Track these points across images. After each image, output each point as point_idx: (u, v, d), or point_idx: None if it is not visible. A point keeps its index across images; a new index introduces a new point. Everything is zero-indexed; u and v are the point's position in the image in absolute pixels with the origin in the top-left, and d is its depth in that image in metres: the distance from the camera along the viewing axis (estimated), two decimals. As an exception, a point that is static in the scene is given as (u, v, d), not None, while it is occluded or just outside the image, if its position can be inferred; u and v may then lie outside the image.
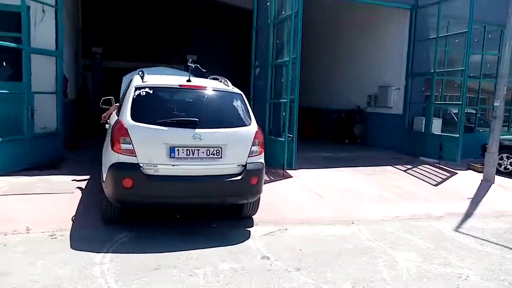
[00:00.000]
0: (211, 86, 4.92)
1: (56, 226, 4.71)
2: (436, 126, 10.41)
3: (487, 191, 7.87)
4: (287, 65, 7.64)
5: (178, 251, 4.17)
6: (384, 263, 4.19)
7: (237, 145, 4.60)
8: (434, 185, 8.03)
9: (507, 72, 8.31)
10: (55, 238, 4.40)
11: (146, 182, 4.25)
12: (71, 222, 4.84)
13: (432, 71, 10.16)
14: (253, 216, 5.37)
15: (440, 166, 9.57)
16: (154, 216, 5.17)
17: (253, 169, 4.64)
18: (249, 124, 4.78)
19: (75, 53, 12.78)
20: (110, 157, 4.35)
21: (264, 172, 4.82)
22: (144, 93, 4.55)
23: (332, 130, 13.43)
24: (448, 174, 8.93)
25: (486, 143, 10.17)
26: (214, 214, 5.41)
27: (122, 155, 4.27)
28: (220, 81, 5.29)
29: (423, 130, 10.47)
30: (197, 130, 4.41)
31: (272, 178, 7.44)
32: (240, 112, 4.84)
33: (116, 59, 15.48)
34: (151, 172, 4.28)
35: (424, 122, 10.45)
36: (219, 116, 4.77)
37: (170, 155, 4.33)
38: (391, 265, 4.16)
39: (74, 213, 5.09)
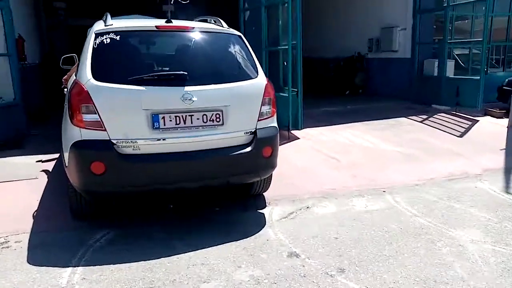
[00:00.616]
0: (199, 27, 3.63)
1: (10, 227, 3.56)
2: (450, 69, 9.30)
3: (517, 140, 6.93)
4: (286, 2, 6.28)
5: (176, 254, 3.09)
6: (448, 250, 3.18)
7: (242, 106, 3.42)
8: (458, 136, 7.06)
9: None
10: (8, 247, 3.26)
11: (123, 165, 3.08)
12: (32, 221, 3.69)
13: (445, 4, 8.88)
14: (264, 193, 4.31)
15: (458, 113, 8.59)
16: (139, 207, 4.03)
17: (266, 137, 3.49)
18: (256, 76, 3.58)
19: (34, 9, 11.04)
20: (71, 133, 3.14)
21: (278, 140, 3.68)
22: (109, 40, 3.26)
23: (331, 81, 12.21)
24: (470, 123, 7.94)
25: (503, 84, 9.18)
26: (215, 194, 4.30)
27: (86, 130, 3.06)
28: (210, 22, 4.00)
29: (435, 74, 9.35)
30: (187, 88, 3.20)
31: (277, 141, 6.31)
32: (242, 60, 3.62)
33: (83, 16, 13.69)
34: (129, 150, 3.10)
35: (437, 65, 9.30)
36: (215, 66, 3.53)
37: (153, 125, 3.13)
38: (458, 252, 3.16)
39: (36, 208, 3.93)
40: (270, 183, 4.14)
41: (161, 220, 3.73)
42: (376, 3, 10.69)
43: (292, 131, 6.71)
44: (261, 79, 3.58)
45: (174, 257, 3.05)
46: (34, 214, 3.81)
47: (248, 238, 3.37)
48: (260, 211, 3.98)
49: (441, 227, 3.60)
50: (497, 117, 8.48)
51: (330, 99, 10.51)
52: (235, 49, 3.64)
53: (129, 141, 3.08)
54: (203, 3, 14.96)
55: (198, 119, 3.25)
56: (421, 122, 7.96)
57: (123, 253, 3.11)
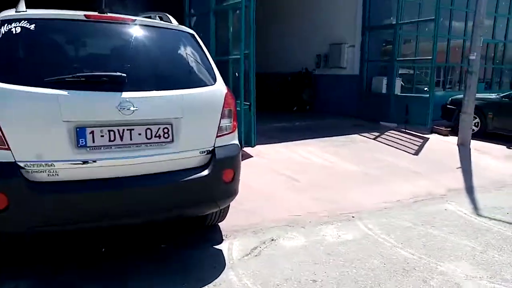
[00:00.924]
0: (142, 21, 2.89)
1: None
2: (398, 87, 9.29)
3: (470, 158, 6.89)
4: (238, 8, 5.72)
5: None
6: (445, 291, 2.69)
7: (197, 119, 2.73)
8: (413, 154, 6.91)
9: (483, 20, 7.23)
10: None
11: (34, 197, 2.24)
12: None
13: (394, 22, 8.87)
14: (218, 223, 3.61)
15: (407, 131, 8.54)
16: (60, 249, 3.14)
17: (226, 157, 2.82)
18: (214, 83, 2.91)
19: None
20: (-40, 152, 2.24)
21: (240, 160, 3.02)
22: (19, 30, 2.43)
23: (278, 97, 11.83)
24: (421, 140, 7.88)
25: (447, 103, 9.32)
26: (157, 224, 3.52)
27: (-20, 149, 2.19)
28: (155, 19, 3.28)
29: (384, 91, 9.29)
30: (126, 94, 2.46)
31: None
32: (196, 63, 2.94)
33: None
34: (42, 177, 2.27)
35: (385, 83, 9.24)
36: (162, 69, 2.81)
37: (78, 142, 2.34)
38: (457, 292, 2.67)
39: None
40: (227, 212, 3.46)
41: (90, 265, 2.88)
42: (324, 19, 10.54)
43: (245, 148, 6.09)
44: (219, 87, 2.92)
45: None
46: None
47: (205, 287, 2.64)
48: (217, 247, 3.27)
49: (427, 260, 3.12)
50: (444, 135, 8.53)
51: (278, 115, 10.07)
52: (187, 49, 2.95)
53: (43, 164, 2.26)
54: (142, 6, 14.05)
55: (140, 134, 2.50)
56: (373, 139, 7.74)
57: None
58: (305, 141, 7.11)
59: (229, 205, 3.38)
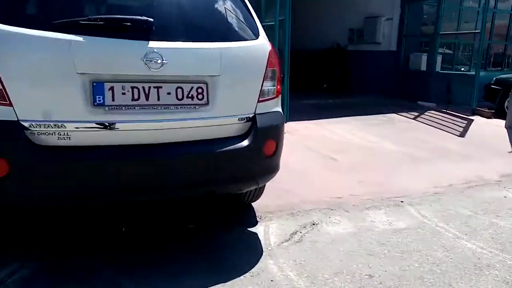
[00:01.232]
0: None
1: None
2: (439, 64, 8.59)
3: (521, 141, 6.25)
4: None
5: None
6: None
7: (237, 78, 2.28)
8: (459, 136, 6.31)
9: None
10: None
11: (41, 165, 1.85)
12: None
13: (440, -8, 8.13)
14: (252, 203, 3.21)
15: (447, 111, 7.88)
16: (76, 229, 2.78)
17: (269, 126, 2.37)
18: (256, 38, 2.43)
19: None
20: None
21: (283, 131, 2.56)
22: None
23: (307, 75, 11.23)
24: (465, 122, 7.24)
25: (491, 83, 8.59)
26: (183, 202, 3.13)
27: (-24, 104, 1.80)
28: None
29: (423, 69, 8.60)
30: (153, 44, 2.02)
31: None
32: (236, 12, 2.46)
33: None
34: (51, 140, 1.87)
35: (425, 59, 8.55)
36: (198, 17, 2.34)
37: (94, 100, 1.92)
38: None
39: None
40: (263, 190, 3.04)
41: (107, 247, 2.51)
42: (359, -10, 9.84)
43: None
44: (263, 42, 2.45)
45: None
46: None
47: (242, 277, 2.23)
48: (251, 229, 2.86)
49: (503, 256, 2.63)
50: (486, 117, 7.87)
51: (308, 93, 9.51)
52: (226, -1, 2.47)
53: (52, 124, 1.85)
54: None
55: (169, 94, 2.07)
56: (413, 119, 7.16)
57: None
58: (340, 119, 6.59)
59: (265, 184, 2.96)
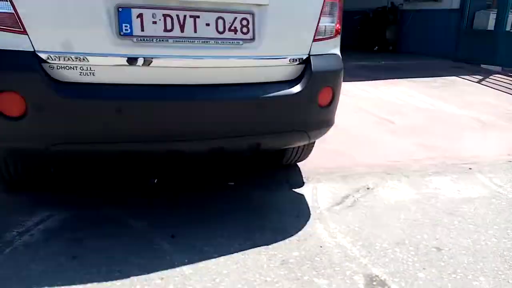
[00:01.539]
0: None
1: None
2: (510, 23, 7.65)
3: None
4: None
5: (162, 269, 1.69)
6: None
7: (290, 11, 1.91)
8: (532, 102, 5.57)
9: None
10: None
11: (61, 103, 1.61)
12: None
13: None
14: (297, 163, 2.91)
15: (517, 75, 7.06)
16: (104, 178, 2.60)
17: (325, 71, 2.01)
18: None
19: None
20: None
21: (342, 79, 2.18)
22: None
23: (356, 36, 10.52)
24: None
25: None
26: (224, 160, 2.87)
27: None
28: None
29: (490, 28, 7.72)
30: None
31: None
32: None
33: None
34: (72, 75, 1.62)
35: (493, 17, 7.64)
36: None
37: (121, 29, 1.63)
38: None
39: None
40: (312, 149, 2.71)
41: (139, 202, 2.31)
42: None
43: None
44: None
45: (160, 274, 1.65)
46: None
47: (286, 241, 1.96)
48: (297, 190, 2.56)
49: None
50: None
51: (359, 54, 8.88)
52: None
53: (73, 57, 1.60)
54: None
55: (208, 25, 1.75)
56: (477, 82, 6.45)
57: (66, 257, 1.71)
58: (395, 80, 6.04)
59: (314, 141, 2.62)
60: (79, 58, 1.60)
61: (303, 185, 2.65)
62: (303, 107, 1.95)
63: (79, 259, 1.74)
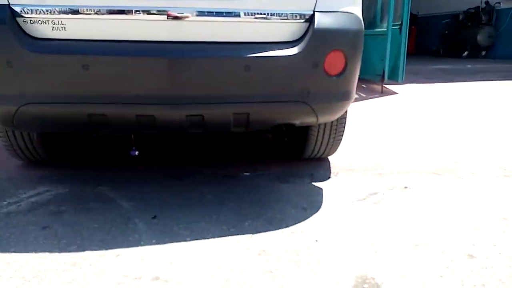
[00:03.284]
0: None
1: None
2: None
3: None
4: None
5: (123, 247, 1.53)
6: None
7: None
8: None
9: None
10: None
11: (34, 60, 1.54)
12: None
13: None
14: (330, 158, 2.58)
15: None
16: (110, 153, 2.54)
17: (334, 30, 1.69)
18: None
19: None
20: None
21: (361, 43, 1.83)
22: None
23: (442, 41, 9.64)
24: None
25: None
26: (240, 145, 2.65)
27: None
28: None
29: None
30: None
31: (363, 95, 4.44)
32: None
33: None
34: (46, 31, 1.55)
35: None
36: None
37: (93, -20, 1.53)
38: None
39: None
40: (339, 141, 2.37)
41: (135, 182, 2.19)
42: None
43: (387, 85, 4.75)
44: None
45: (113, 252, 1.47)
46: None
47: (278, 232, 1.67)
48: (317, 184, 2.23)
49: None
50: None
51: (443, 59, 8.09)
52: None
53: (46, 10, 1.53)
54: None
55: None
56: None
57: (33, 229, 1.63)
58: (476, 83, 5.31)
59: (342, 131, 2.29)
60: (51, 11, 1.52)
61: (327, 179, 2.32)
62: (303, 74, 1.66)
63: (48, 230, 1.65)
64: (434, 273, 1.39)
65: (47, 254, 1.47)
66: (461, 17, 9.18)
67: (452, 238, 1.63)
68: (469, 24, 8.87)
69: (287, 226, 1.72)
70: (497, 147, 2.95)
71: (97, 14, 1.55)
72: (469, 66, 6.96)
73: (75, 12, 1.55)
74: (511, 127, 3.49)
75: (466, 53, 8.88)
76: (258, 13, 1.62)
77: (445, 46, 9.50)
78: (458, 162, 2.65)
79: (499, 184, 2.27)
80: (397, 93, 4.62)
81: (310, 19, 1.67)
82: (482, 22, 8.67)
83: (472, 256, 1.49)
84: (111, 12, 1.55)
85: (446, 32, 9.52)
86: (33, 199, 1.95)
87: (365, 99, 4.44)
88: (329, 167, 2.51)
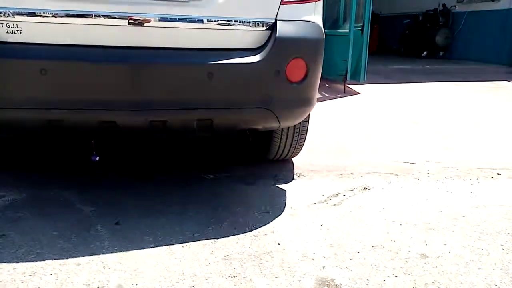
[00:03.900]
0: None
1: None
2: None
3: None
4: None
5: (85, 255, 1.51)
6: None
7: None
8: None
9: None
10: None
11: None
12: None
13: None
14: (293, 159, 2.63)
15: None
16: (70, 158, 2.49)
17: (295, 39, 1.74)
18: None
19: None
20: None
21: (322, 53, 1.88)
22: None
23: (403, 41, 9.96)
24: None
25: None
26: (204, 147, 2.66)
27: None
28: None
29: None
30: None
31: (326, 95, 4.54)
32: None
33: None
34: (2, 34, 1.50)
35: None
36: None
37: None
38: None
39: None
40: (302, 144, 2.42)
41: (97, 187, 2.15)
42: None
43: (350, 85, 4.87)
44: None
45: (74, 261, 1.45)
46: None
47: (241, 236, 1.69)
48: (281, 186, 2.28)
49: None
50: None
51: (402, 60, 8.38)
52: None
53: (1, 12, 1.47)
54: None
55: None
56: (534, 88, 5.74)
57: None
58: (435, 84, 5.54)
59: (304, 134, 2.34)
60: (5, 13, 1.47)
61: (291, 181, 2.37)
62: (265, 81, 1.70)
63: (4, 238, 1.60)
64: (389, 274, 1.46)
65: (4, 264, 1.43)
66: (420, 18, 9.52)
67: (407, 239, 1.72)
68: (428, 25, 9.22)
69: (250, 230, 1.75)
70: (451, 148, 3.10)
71: (55, 17, 1.51)
72: (427, 66, 7.26)
73: (31, 14, 1.50)
74: (465, 128, 3.67)
75: (425, 53, 9.22)
76: (220, 20, 1.64)
77: (406, 45, 9.82)
78: (415, 163, 2.78)
79: (452, 184, 2.39)
80: (359, 93, 4.76)
81: (272, 27, 1.70)
82: (440, 23, 9.04)
83: (425, 256, 1.58)
84: (70, 15, 1.52)
85: (407, 32, 9.84)
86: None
87: (328, 99, 4.54)
88: (293, 168, 2.56)
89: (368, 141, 3.21)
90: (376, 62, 7.10)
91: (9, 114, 1.55)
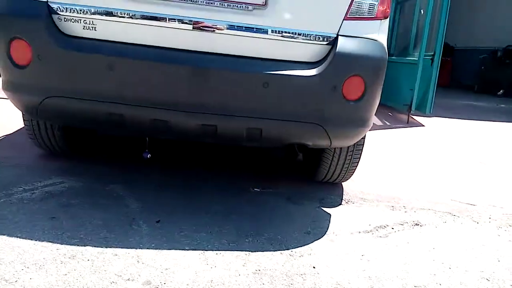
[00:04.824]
0: None
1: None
2: None
3: None
4: None
5: (122, 247, 1.56)
6: None
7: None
8: None
9: None
10: None
11: (62, 56, 1.61)
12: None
13: None
14: (343, 183, 2.55)
15: None
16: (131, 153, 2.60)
17: (356, 56, 1.70)
18: None
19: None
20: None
21: (382, 71, 1.81)
22: None
23: (478, 77, 9.42)
24: None
25: None
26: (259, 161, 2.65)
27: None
28: None
29: None
30: None
31: (388, 124, 4.38)
32: None
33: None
34: (77, 29, 1.62)
35: None
36: None
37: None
38: None
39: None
40: (354, 168, 2.34)
41: (149, 185, 2.22)
42: None
43: (414, 116, 4.67)
44: None
45: (112, 251, 1.50)
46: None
47: (277, 253, 1.65)
48: (326, 209, 2.21)
49: None
50: None
51: (474, 97, 7.91)
52: None
53: (79, 9, 1.59)
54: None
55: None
56: None
57: (41, 218, 1.68)
58: (508, 124, 5.15)
59: (357, 158, 2.26)
60: (84, 11, 1.59)
61: (338, 205, 2.29)
62: (320, 95, 1.66)
63: (55, 220, 1.70)
64: (429, 318, 1.34)
65: (49, 244, 1.51)
66: (499, 53, 8.96)
67: (455, 284, 1.58)
68: (507, 61, 8.65)
69: (287, 248, 1.70)
70: (519, 194, 2.84)
71: (131, 18, 1.60)
72: (502, 105, 6.77)
73: (109, 14, 1.61)
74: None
75: (501, 91, 8.64)
76: (284, 32, 1.64)
77: (481, 82, 9.27)
78: (477, 205, 2.57)
79: (515, 233, 2.18)
80: (423, 125, 4.54)
81: (333, 42, 1.68)
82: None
83: (472, 306, 1.44)
84: (145, 17, 1.61)
85: (483, 67, 9.30)
86: (46, 189, 2.00)
87: (390, 128, 4.39)
88: (341, 193, 2.48)
89: (427, 175, 3.04)
90: (446, 96, 6.79)
91: (75, 104, 1.65)
